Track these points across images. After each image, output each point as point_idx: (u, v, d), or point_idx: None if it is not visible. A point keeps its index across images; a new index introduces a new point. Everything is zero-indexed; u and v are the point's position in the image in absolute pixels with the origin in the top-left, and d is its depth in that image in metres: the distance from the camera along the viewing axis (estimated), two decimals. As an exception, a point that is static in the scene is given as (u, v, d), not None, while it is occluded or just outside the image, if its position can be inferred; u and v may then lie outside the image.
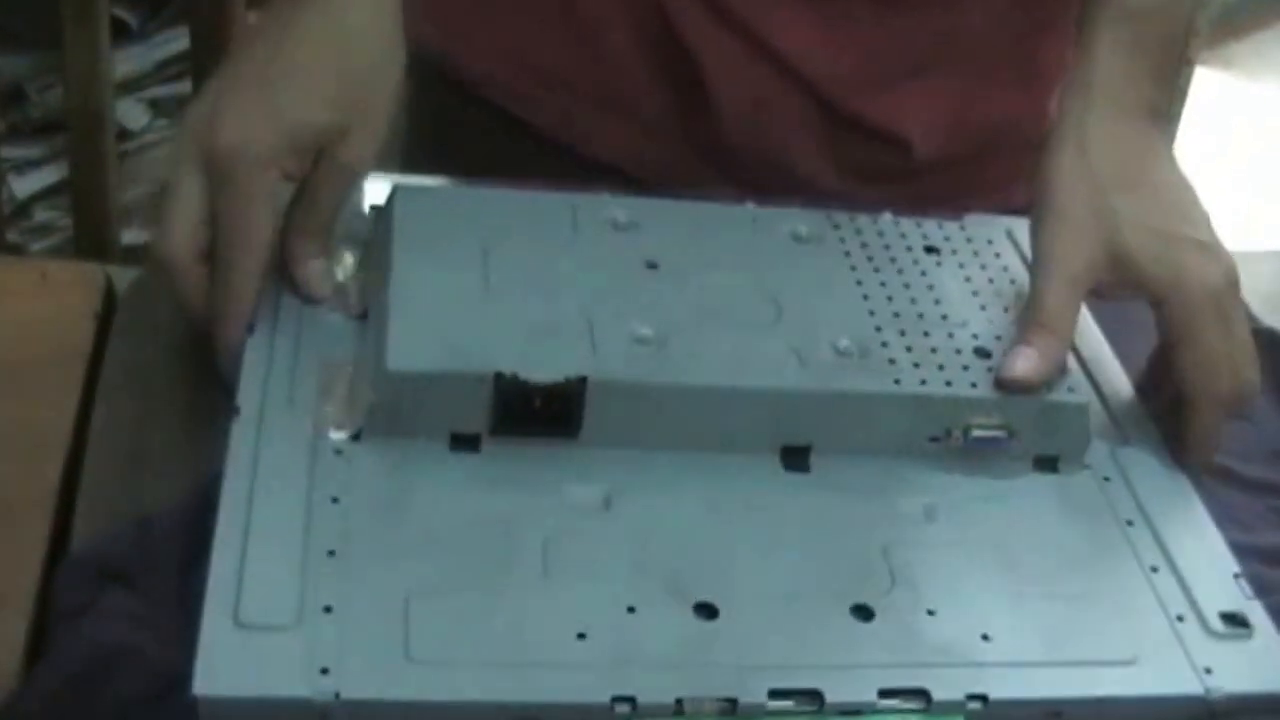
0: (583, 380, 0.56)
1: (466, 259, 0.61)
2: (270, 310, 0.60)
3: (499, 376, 0.55)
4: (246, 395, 0.56)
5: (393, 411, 0.56)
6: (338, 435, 0.56)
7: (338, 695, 0.46)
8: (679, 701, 0.48)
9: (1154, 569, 0.58)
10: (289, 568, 0.50)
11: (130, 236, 1.32)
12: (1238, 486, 0.67)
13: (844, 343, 0.60)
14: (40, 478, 0.60)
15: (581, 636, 0.50)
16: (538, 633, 0.50)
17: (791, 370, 0.59)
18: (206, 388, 0.60)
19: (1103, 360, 0.67)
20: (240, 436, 0.54)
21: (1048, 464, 0.62)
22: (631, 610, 0.51)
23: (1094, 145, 0.63)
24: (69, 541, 0.57)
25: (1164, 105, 0.67)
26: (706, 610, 0.52)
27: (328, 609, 0.49)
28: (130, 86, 1.40)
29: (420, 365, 0.56)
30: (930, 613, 0.54)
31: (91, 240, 1.26)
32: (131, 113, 1.39)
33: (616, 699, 0.48)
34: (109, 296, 0.71)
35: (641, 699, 0.48)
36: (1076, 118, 0.64)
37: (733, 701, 0.49)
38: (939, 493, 0.59)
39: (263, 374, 0.57)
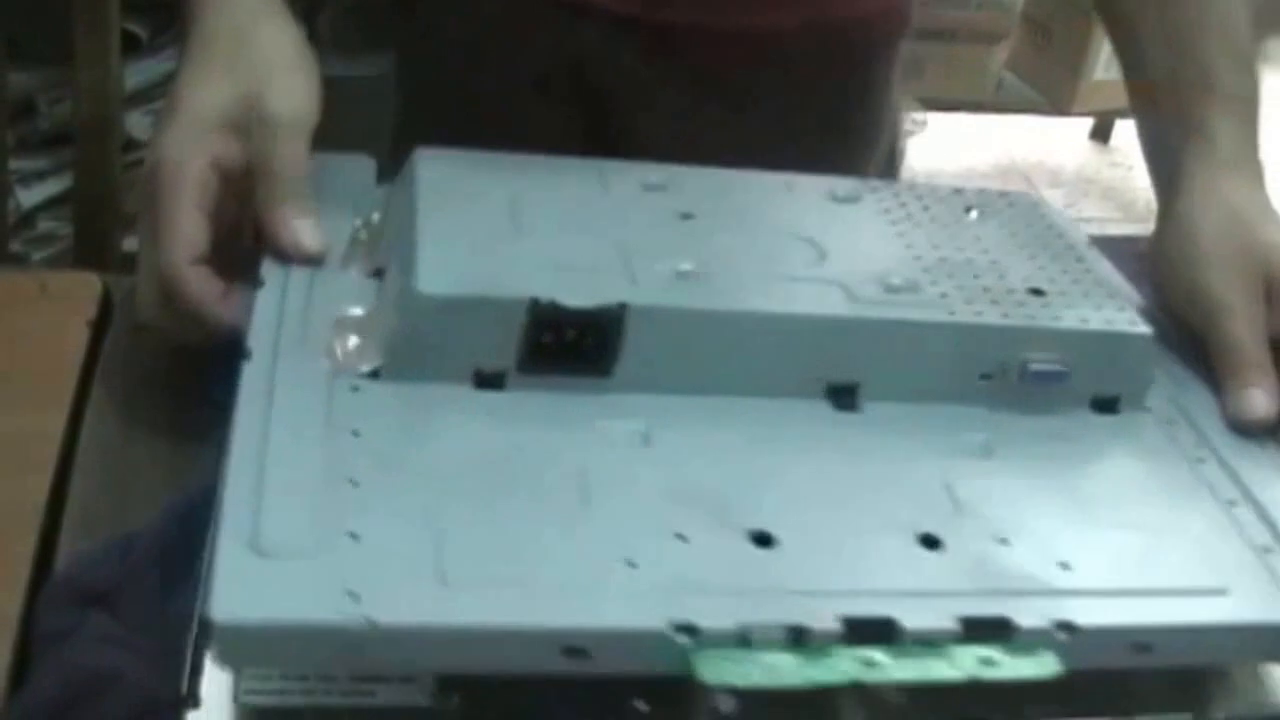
0: (623, 307, 0.52)
1: (495, 206, 0.58)
2: (279, 268, 0.57)
3: (535, 302, 0.51)
4: (258, 339, 0.52)
5: (417, 343, 0.51)
6: (357, 372, 0.51)
7: (370, 621, 0.41)
8: (744, 629, 0.43)
9: (1232, 503, 0.54)
10: (309, 496, 0.45)
11: (130, 244, 1.31)
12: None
13: (894, 280, 0.57)
14: (26, 494, 0.57)
15: (632, 564, 0.45)
16: (583, 559, 0.45)
17: (839, 300, 0.55)
18: (195, 403, 0.57)
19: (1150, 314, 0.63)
20: (252, 376, 0.50)
21: (1107, 405, 0.57)
22: (682, 538, 0.47)
23: (1229, 194, 0.65)
24: (54, 559, 0.54)
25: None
26: (763, 539, 0.47)
27: (353, 535, 0.44)
28: (139, 98, 1.40)
29: (451, 289, 0.51)
30: (1002, 541, 0.49)
31: (92, 248, 1.24)
32: (140, 124, 1.38)
33: (677, 627, 0.43)
34: (106, 304, 0.69)
35: (703, 626, 0.43)
36: (1204, 173, 0.66)
37: (801, 630, 0.44)
38: (995, 430, 0.55)
39: (274, 321, 0.53)
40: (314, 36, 1.40)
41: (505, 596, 0.43)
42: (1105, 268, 0.62)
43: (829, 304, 0.54)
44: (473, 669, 0.43)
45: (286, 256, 0.57)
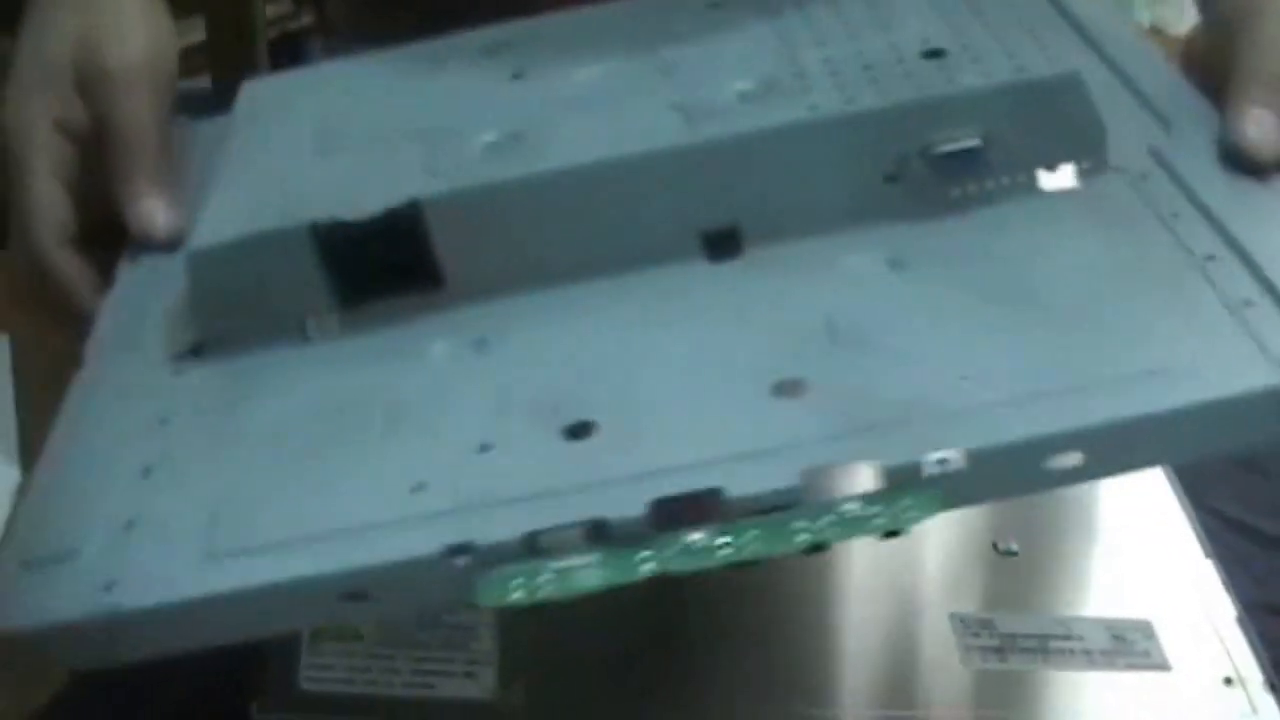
0: (415, 204, 0.45)
1: (306, 132, 0.52)
2: (132, 260, 0.53)
3: (315, 226, 0.46)
4: (91, 347, 0.49)
5: (216, 306, 0.47)
6: (177, 355, 0.48)
7: (117, 608, 0.39)
8: (531, 537, 0.37)
9: (1210, 257, 0.42)
10: (92, 494, 0.43)
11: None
12: (1255, 541, 0.58)
13: (742, 85, 0.48)
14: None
15: (418, 489, 0.40)
16: (365, 496, 0.40)
17: (675, 126, 0.47)
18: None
19: (1127, 39, 0.52)
20: (77, 385, 0.47)
21: (1055, 174, 0.46)
22: (485, 449, 0.41)
23: None
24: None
25: None
26: (580, 430, 0.41)
27: (129, 525, 0.41)
28: None
29: (225, 235, 0.47)
30: (886, 367, 0.40)
31: None
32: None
33: (451, 549, 0.37)
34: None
35: (480, 542, 0.37)
36: None
37: (600, 524, 0.37)
38: (911, 240, 0.45)
39: (113, 323, 0.50)
40: (323, 22, 1.39)
41: (269, 554, 0.39)
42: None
43: (660, 134, 0.46)
44: (251, 635, 0.39)
45: (140, 241, 0.52)
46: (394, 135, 0.50)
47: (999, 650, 0.49)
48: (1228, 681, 0.48)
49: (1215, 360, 0.38)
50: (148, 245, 0.52)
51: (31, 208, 0.51)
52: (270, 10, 1.22)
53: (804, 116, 0.45)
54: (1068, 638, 0.50)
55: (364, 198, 0.46)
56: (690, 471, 0.38)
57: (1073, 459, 0.37)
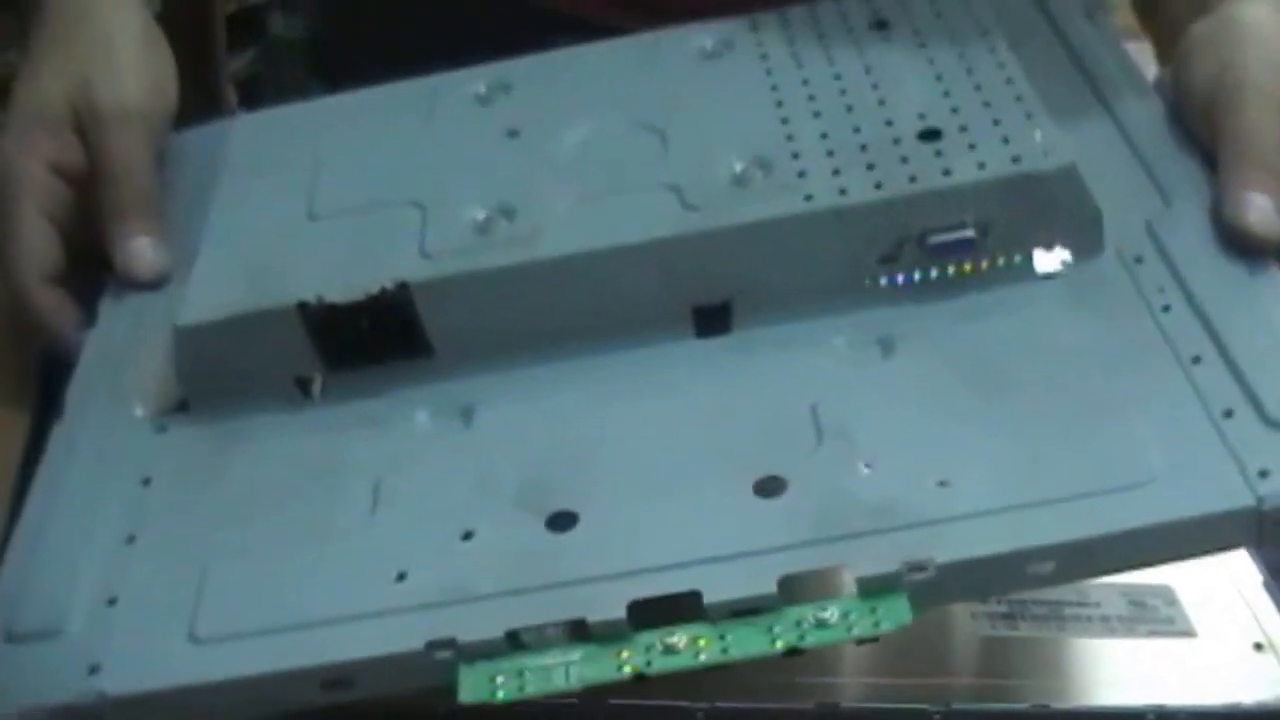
0: (404, 287, 0.46)
1: (295, 183, 0.52)
2: (114, 298, 0.53)
3: (303, 306, 0.46)
4: (73, 392, 0.49)
5: (205, 373, 0.47)
6: (162, 411, 0.48)
7: (103, 694, 0.39)
8: (511, 635, 0.38)
9: (1196, 359, 0.42)
10: (76, 564, 0.43)
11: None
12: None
13: (739, 166, 0.48)
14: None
15: (401, 577, 0.40)
16: (350, 583, 0.41)
17: (669, 214, 0.47)
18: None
19: (1131, 91, 0.52)
20: (58, 436, 0.48)
21: (1050, 258, 0.47)
22: (468, 536, 0.41)
23: None
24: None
25: None
26: (562, 520, 0.41)
27: (112, 601, 0.42)
28: None
29: (214, 314, 0.47)
30: (867, 467, 0.41)
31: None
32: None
33: (433, 644, 0.38)
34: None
35: (463, 638, 0.38)
36: None
37: (580, 623, 0.38)
38: (901, 324, 0.46)
39: (95, 367, 0.50)
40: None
41: (253, 641, 0.39)
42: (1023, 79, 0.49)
43: (657, 220, 0.46)
44: (233, 718, 0.40)
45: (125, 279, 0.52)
46: (385, 202, 0.50)
47: (1008, 617, 0.49)
48: (1258, 647, 0.48)
49: (1192, 477, 0.39)
50: (132, 283, 0.52)
51: (19, 244, 0.52)
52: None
53: (800, 208, 0.46)
54: (1083, 604, 0.49)
55: (354, 275, 0.46)
56: (670, 573, 0.39)
57: (1045, 567, 0.38)
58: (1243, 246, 0.45)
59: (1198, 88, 0.50)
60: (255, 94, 1.29)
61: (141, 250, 0.52)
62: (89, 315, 0.52)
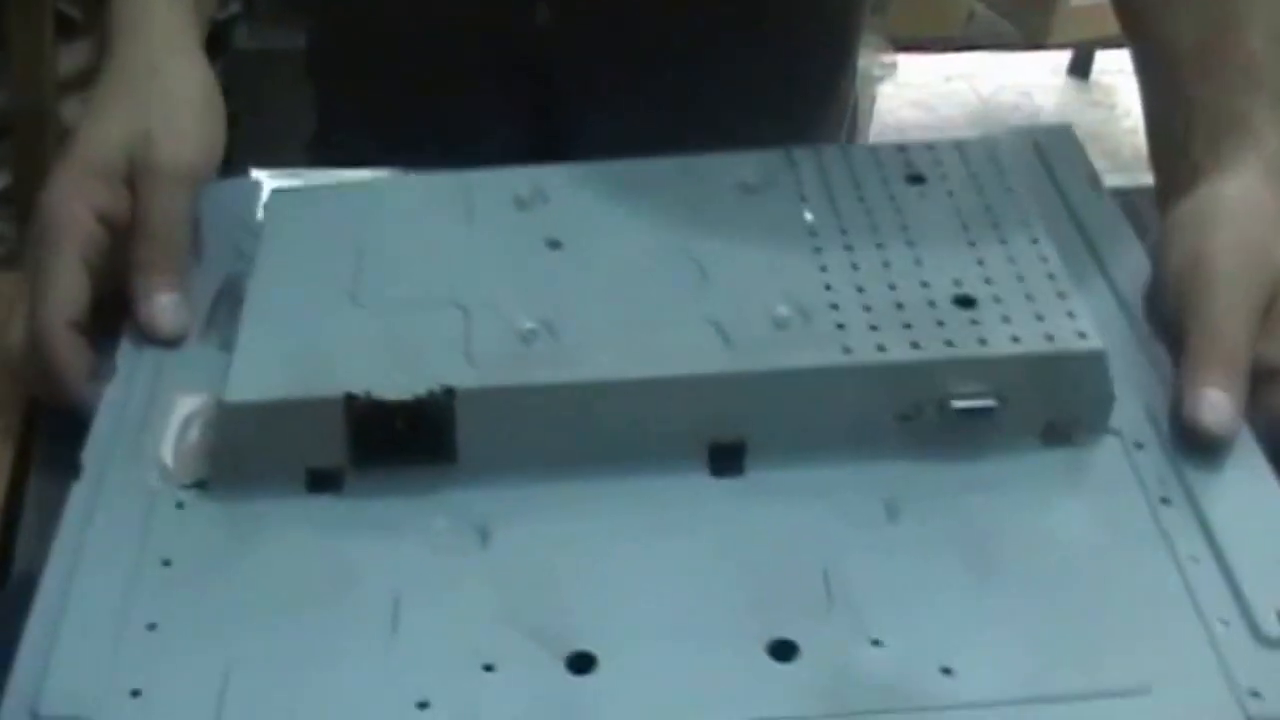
0: (449, 392, 0.47)
1: (338, 265, 0.53)
2: (134, 351, 0.53)
3: (350, 398, 0.47)
4: (91, 452, 0.49)
5: (240, 453, 0.48)
6: (181, 486, 0.48)
7: None
8: None
9: (1193, 559, 0.45)
10: (99, 648, 0.43)
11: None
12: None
13: (781, 310, 0.49)
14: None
15: (423, 706, 0.41)
16: (372, 708, 0.42)
17: (712, 350, 0.48)
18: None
19: (1131, 262, 0.54)
20: (76, 499, 0.48)
21: (1059, 434, 0.49)
22: (489, 669, 0.42)
23: (1270, 201, 0.53)
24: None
25: None
26: (581, 662, 0.42)
27: (135, 693, 0.42)
28: (74, 84, 1.30)
29: (262, 395, 0.48)
30: (875, 643, 0.43)
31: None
32: (77, 112, 1.32)
33: None
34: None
35: None
36: (1250, 150, 0.54)
37: None
38: (909, 484, 0.47)
39: (113, 424, 0.50)
40: (249, 10, 1.35)
41: None
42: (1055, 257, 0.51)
43: (698, 356, 0.48)
44: None
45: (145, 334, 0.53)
46: (428, 299, 0.51)
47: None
48: None
49: (1186, 690, 0.41)
50: (152, 338, 0.53)
51: (53, 285, 0.52)
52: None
53: (841, 360, 0.47)
54: None
55: (398, 372, 0.47)
56: None
57: None
58: (1201, 444, 0.47)
59: (1171, 281, 0.52)
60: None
61: (165, 308, 0.53)
62: (100, 362, 0.53)
